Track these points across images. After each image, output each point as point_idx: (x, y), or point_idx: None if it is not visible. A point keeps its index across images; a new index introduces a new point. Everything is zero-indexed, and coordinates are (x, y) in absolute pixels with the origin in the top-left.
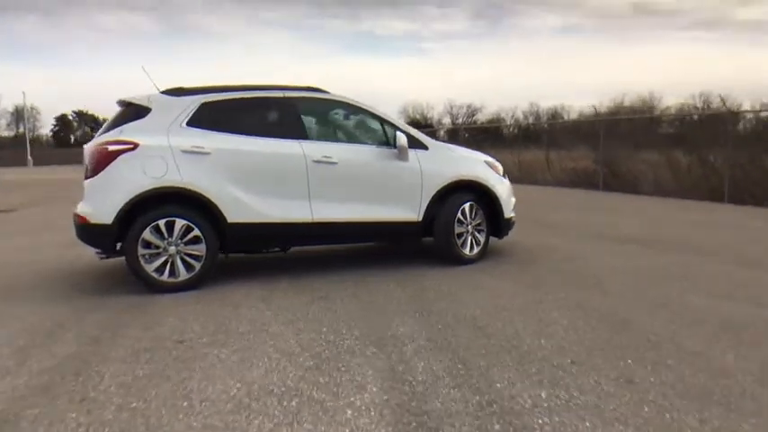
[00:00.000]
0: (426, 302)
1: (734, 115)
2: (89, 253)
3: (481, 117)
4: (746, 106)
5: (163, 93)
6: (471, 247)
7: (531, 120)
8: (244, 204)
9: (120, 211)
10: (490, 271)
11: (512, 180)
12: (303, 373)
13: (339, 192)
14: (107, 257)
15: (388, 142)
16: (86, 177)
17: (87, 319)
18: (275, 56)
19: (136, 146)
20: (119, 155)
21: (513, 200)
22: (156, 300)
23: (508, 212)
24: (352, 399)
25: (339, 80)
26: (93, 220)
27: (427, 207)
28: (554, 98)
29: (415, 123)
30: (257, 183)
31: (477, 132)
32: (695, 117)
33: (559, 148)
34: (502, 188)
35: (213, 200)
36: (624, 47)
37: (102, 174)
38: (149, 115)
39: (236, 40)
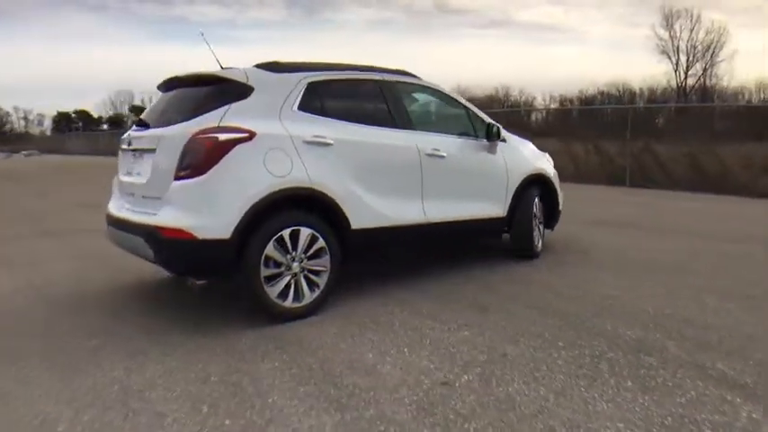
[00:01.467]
0: (566, 296)
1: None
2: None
3: None
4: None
5: (259, 68)
6: (538, 241)
7: None
8: (366, 207)
9: (242, 220)
10: (552, 265)
11: None
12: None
13: (447, 188)
14: (200, 284)
15: (476, 134)
16: (182, 176)
17: (251, 370)
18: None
19: (252, 135)
20: (233, 146)
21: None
22: (289, 331)
23: (561, 204)
24: None
25: (150, 66)
26: (204, 234)
27: (510, 202)
28: None
29: None
30: (377, 181)
31: None
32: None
33: None
34: (557, 180)
35: (339, 202)
36: (430, 42)
37: (212, 171)
38: (253, 95)
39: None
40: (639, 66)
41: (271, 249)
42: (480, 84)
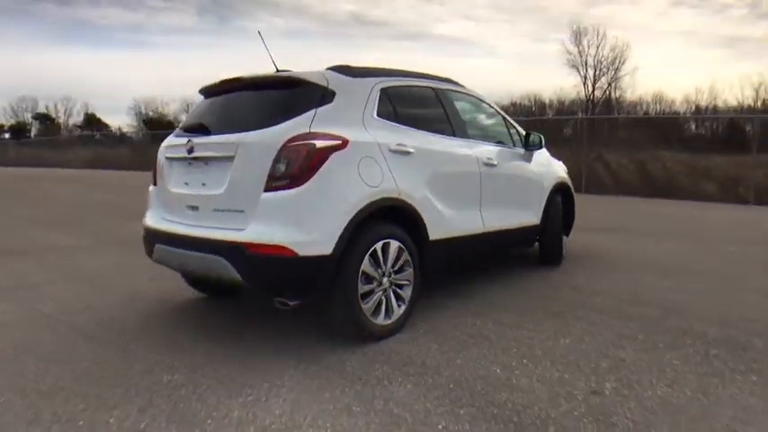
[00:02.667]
0: (627, 300)
1: None
2: None
3: None
4: None
5: (332, 71)
6: (564, 247)
7: None
8: (441, 217)
9: (343, 234)
10: (583, 271)
11: None
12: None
13: (499, 197)
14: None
15: (513, 142)
16: (276, 187)
17: (389, 395)
18: None
19: (345, 142)
20: (330, 154)
21: None
22: (389, 350)
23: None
24: None
25: (54, 71)
26: (306, 250)
27: (543, 209)
28: None
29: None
30: (447, 190)
31: None
32: None
33: None
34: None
35: (421, 213)
36: (348, 51)
37: (311, 181)
38: (335, 100)
39: None
40: (552, 79)
41: (366, 264)
42: None
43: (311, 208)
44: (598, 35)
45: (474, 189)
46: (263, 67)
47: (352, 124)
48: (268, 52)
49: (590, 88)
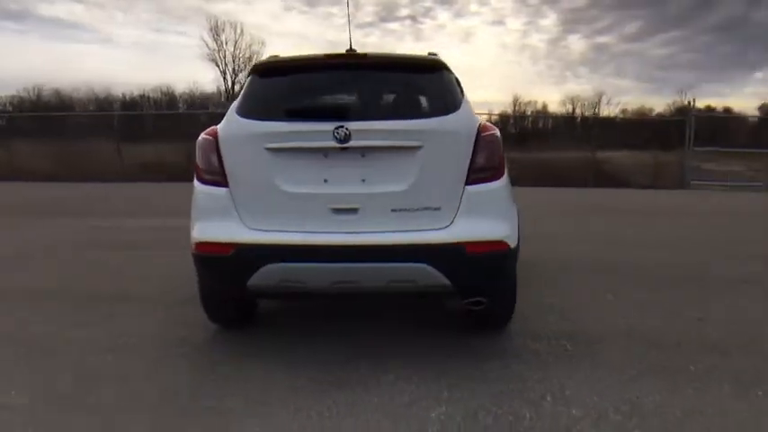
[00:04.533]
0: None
1: None
2: None
3: None
4: None
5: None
6: None
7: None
8: None
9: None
10: (610, 294)
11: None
12: None
13: None
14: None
15: None
16: (479, 179)
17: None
18: None
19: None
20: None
21: None
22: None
23: None
24: None
25: None
26: (513, 243)
27: None
28: None
29: None
30: None
31: None
32: None
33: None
34: None
35: None
36: None
37: (505, 171)
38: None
39: None
40: (189, 72)
41: None
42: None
43: (509, 199)
44: (236, 31)
45: None
46: None
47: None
48: (349, 28)
49: (229, 83)
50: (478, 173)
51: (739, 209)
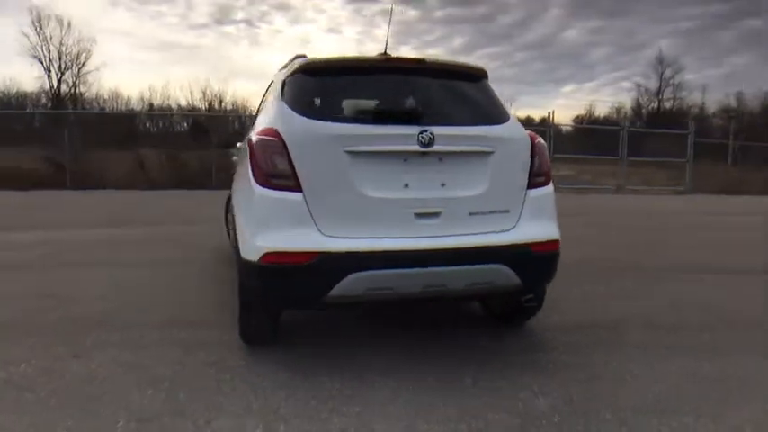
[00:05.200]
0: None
1: None
2: None
3: None
4: None
5: None
6: None
7: None
8: None
9: None
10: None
11: None
12: None
13: None
14: None
15: None
16: (537, 183)
17: None
18: None
19: None
20: None
21: None
22: None
23: None
24: None
25: None
26: (559, 243)
27: None
28: None
29: None
30: None
31: None
32: None
33: None
34: None
35: None
36: None
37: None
38: None
39: None
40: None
41: None
42: None
43: (555, 202)
44: (62, 26)
45: None
46: None
47: None
48: (388, 33)
49: (55, 81)
50: (536, 177)
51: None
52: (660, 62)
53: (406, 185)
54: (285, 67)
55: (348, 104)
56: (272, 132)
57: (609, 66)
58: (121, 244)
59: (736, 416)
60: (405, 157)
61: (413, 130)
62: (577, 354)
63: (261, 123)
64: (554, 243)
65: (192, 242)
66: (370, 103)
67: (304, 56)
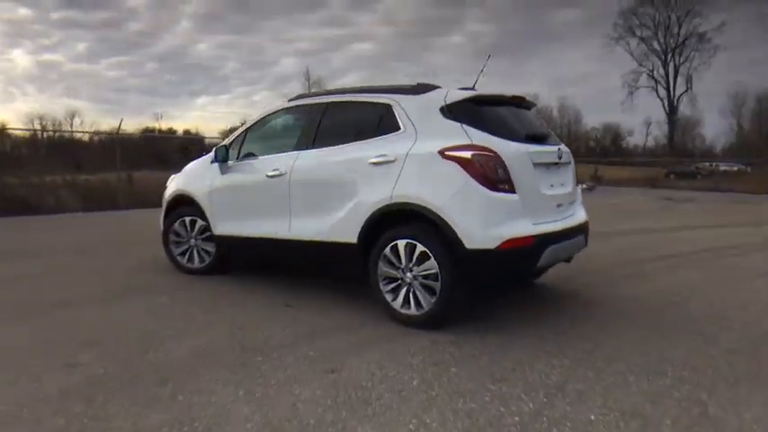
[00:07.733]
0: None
1: None
2: None
3: None
4: None
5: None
6: None
7: None
8: None
9: None
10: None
11: None
12: None
13: None
14: None
15: None
16: (578, 181)
17: None
18: None
19: None
20: None
21: None
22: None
23: None
24: None
25: None
26: None
27: None
28: None
29: None
30: None
31: None
32: None
33: None
34: None
35: None
36: None
37: None
38: None
39: None
40: None
41: None
42: None
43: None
44: None
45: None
46: None
47: None
48: (482, 70)
49: None
50: (576, 176)
51: None
52: (307, 78)
53: (552, 185)
54: (416, 92)
55: (518, 129)
56: (486, 149)
57: (240, 80)
58: None
59: None
60: (548, 166)
61: (554, 148)
62: None
63: (427, 137)
64: (588, 222)
65: None
66: (528, 129)
67: (469, 88)
